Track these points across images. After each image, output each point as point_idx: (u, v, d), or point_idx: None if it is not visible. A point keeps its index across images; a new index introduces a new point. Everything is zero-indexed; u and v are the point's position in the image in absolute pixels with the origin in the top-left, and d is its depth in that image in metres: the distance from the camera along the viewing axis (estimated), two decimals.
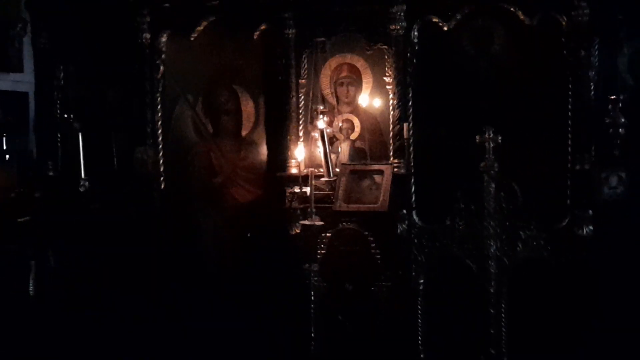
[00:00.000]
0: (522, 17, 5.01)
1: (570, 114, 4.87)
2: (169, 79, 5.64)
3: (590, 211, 4.79)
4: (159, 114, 5.64)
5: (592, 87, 4.88)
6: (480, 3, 5.11)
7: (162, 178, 5.64)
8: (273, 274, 5.32)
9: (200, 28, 5.60)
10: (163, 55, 5.63)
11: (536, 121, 5.11)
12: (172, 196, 5.69)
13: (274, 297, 5.30)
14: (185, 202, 5.77)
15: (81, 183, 5.63)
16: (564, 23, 4.91)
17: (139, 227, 5.58)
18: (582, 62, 4.86)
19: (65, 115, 5.92)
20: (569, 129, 4.87)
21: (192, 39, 5.62)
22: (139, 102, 5.65)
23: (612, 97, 4.87)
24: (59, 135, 5.97)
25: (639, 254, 4.83)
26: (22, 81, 6.24)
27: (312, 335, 5.16)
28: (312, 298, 5.15)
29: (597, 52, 4.93)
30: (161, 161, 5.63)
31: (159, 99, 5.63)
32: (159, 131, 5.64)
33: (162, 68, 5.61)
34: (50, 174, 5.93)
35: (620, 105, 4.83)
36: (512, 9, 5.01)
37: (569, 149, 4.88)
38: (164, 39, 5.64)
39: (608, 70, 5.02)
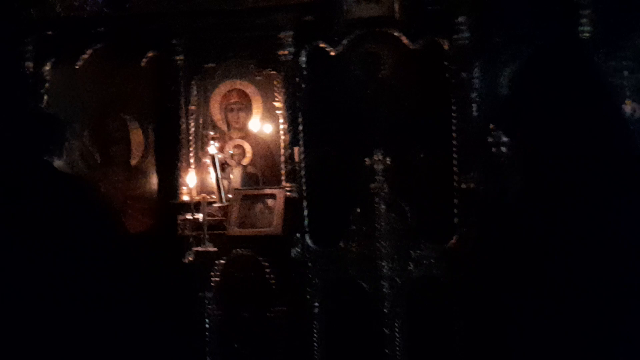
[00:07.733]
0: (406, 41, 5.12)
1: (454, 134, 5.00)
2: (53, 108, 5.48)
3: (477, 228, 4.92)
4: None
5: (474, 108, 5.02)
6: (365, 28, 5.19)
7: None
8: (167, 303, 5.20)
9: (85, 56, 5.45)
10: (47, 85, 5.48)
11: (423, 142, 5.24)
12: None
13: (168, 326, 5.18)
14: None
15: None
16: (446, 47, 5.05)
17: None
18: (464, 84, 5.00)
19: None
20: (454, 149, 5.00)
21: (77, 67, 5.49)
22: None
23: (494, 115, 5.04)
24: None
25: (526, 265, 4.96)
26: None
27: None
28: (207, 326, 5.09)
29: (478, 74, 5.09)
30: None
31: None
32: None
33: (45, 97, 5.46)
34: None
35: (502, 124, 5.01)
36: (395, 34, 5.12)
37: (455, 168, 5.01)
38: (47, 68, 5.49)
39: (490, 91, 5.19)
